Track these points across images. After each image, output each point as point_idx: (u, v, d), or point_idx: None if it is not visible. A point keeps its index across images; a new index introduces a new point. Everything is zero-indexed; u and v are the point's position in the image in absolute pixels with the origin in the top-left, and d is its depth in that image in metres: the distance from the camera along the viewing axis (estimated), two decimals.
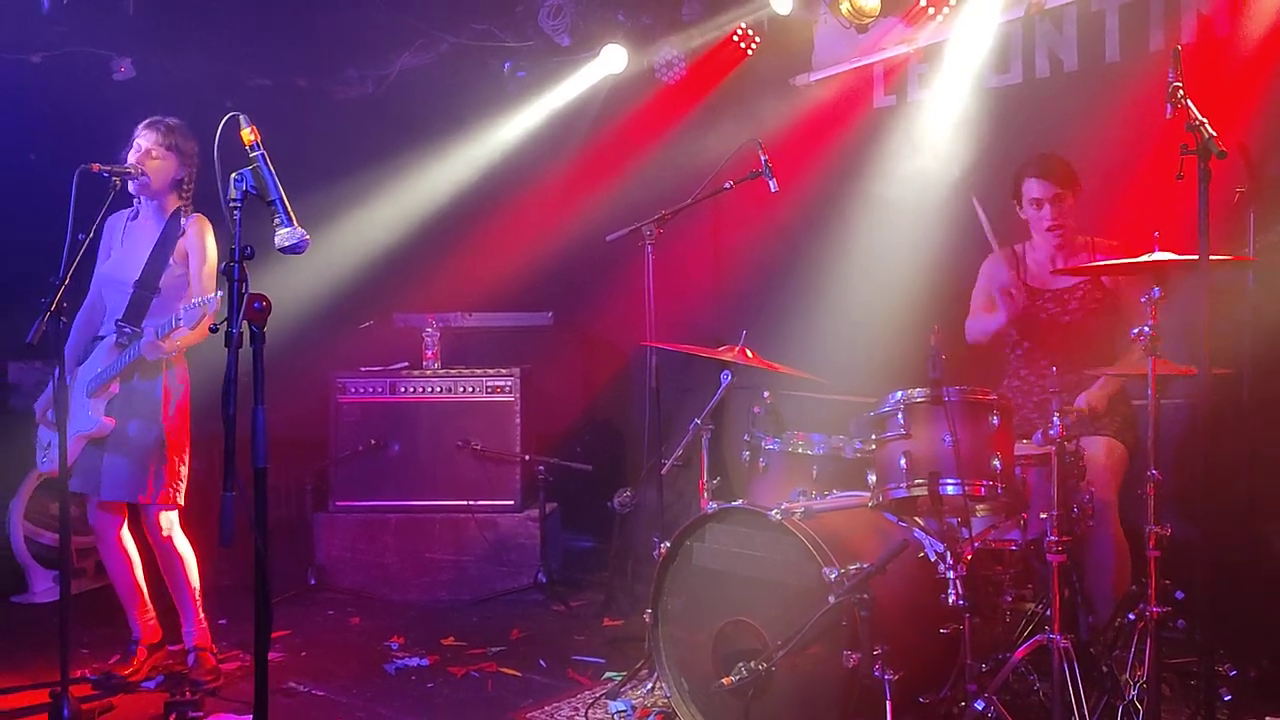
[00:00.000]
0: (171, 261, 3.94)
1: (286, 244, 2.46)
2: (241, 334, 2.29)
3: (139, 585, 4.09)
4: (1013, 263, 4.00)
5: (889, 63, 5.21)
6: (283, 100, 6.22)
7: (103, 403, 3.88)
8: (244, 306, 2.28)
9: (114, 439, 3.89)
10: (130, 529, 4.08)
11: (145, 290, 3.91)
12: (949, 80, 4.96)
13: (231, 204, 2.43)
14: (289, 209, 2.46)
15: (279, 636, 4.56)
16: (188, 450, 4.00)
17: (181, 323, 3.66)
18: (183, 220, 3.98)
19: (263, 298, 2.31)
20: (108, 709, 3.72)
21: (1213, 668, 2.89)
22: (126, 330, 3.89)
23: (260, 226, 2.52)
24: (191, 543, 4.05)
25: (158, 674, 4.06)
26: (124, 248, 4.01)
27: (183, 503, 3.98)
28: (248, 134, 2.47)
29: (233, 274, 2.32)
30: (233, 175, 2.43)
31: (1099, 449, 3.63)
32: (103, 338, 3.97)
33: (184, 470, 3.97)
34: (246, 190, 2.44)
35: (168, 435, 3.90)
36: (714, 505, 3.40)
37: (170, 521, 3.98)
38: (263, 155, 2.47)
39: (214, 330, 2.50)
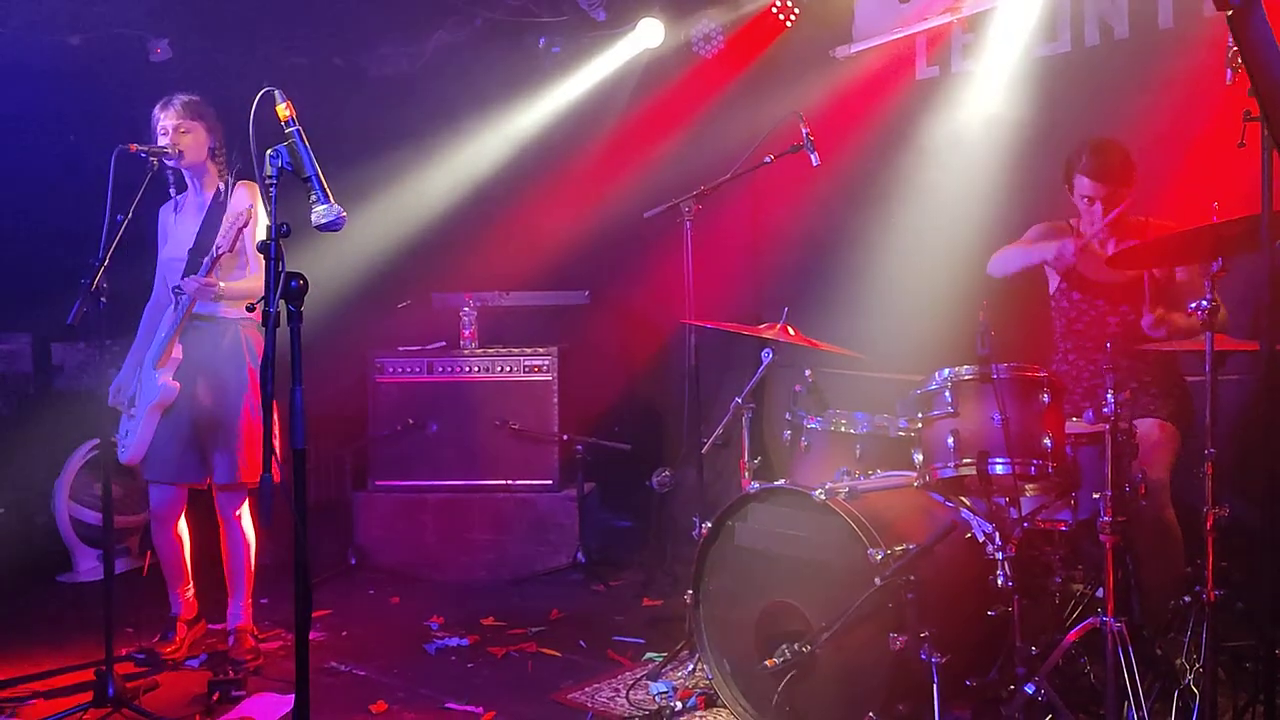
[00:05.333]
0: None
1: (323, 221, 2.42)
2: (279, 313, 2.26)
3: (188, 563, 4.14)
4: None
5: (932, 33, 5.07)
6: (319, 79, 6.19)
7: (169, 370, 3.86)
8: (281, 285, 2.25)
9: (212, 422, 3.90)
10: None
11: (198, 257, 3.84)
12: (994, 50, 4.82)
13: (267, 180, 2.39)
14: (325, 186, 2.42)
15: (320, 616, 4.59)
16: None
17: (221, 249, 3.66)
18: (228, 187, 3.98)
19: (300, 276, 2.27)
20: (153, 687, 3.75)
21: (1272, 651, 2.81)
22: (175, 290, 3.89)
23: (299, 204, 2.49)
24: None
25: (200, 652, 4.09)
26: (177, 230, 4.02)
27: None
28: (283, 109, 2.43)
29: (269, 252, 2.29)
30: (268, 151, 2.39)
31: (1151, 428, 3.53)
32: None
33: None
34: (282, 167, 2.40)
35: (251, 412, 3.97)
36: (756, 485, 3.36)
37: (242, 500, 4.04)
38: (298, 131, 2.43)
39: (250, 309, 2.48)
